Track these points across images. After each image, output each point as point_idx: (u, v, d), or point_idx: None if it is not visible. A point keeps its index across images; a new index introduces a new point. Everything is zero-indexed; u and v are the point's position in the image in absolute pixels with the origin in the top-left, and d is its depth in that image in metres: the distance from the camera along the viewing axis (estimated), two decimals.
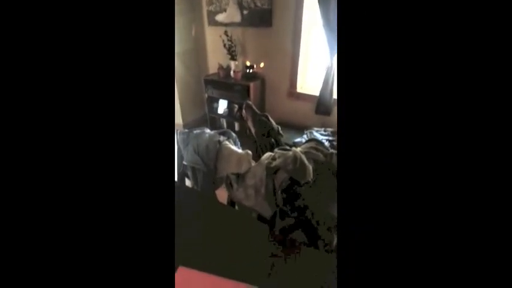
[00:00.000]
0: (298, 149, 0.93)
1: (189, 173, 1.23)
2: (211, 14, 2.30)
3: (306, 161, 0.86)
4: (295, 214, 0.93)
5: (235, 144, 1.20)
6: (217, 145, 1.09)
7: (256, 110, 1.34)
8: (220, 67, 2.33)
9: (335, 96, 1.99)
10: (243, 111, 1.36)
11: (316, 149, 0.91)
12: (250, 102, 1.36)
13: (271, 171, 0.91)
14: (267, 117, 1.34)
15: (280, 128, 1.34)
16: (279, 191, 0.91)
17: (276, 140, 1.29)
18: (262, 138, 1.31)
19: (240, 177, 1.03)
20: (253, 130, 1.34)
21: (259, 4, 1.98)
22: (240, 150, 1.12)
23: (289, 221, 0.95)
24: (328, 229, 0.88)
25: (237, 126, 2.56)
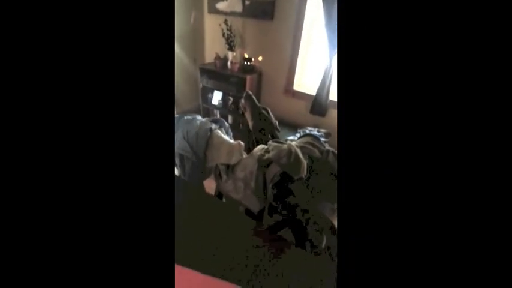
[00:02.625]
0: (294, 143, 0.89)
1: (177, 161, 1.17)
2: (212, 2, 2.22)
3: (301, 156, 0.82)
4: (285, 211, 0.89)
5: (227, 134, 1.15)
6: (208, 133, 1.03)
7: (257, 102, 1.28)
8: (218, 57, 2.26)
9: (331, 97, 1.97)
10: (242, 101, 1.30)
11: (312, 145, 0.87)
12: (250, 93, 1.30)
13: (263, 164, 0.86)
14: (267, 110, 1.28)
15: (278, 124, 1.29)
16: (270, 186, 0.86)
17: (272, 136, 1.24)
18: (259, 133, 1.25)
19: (230, 168, 0.98)
20: (250, 123, 1.27)
21: None
22: (231, 141, 1.07)
23: (277, 218, 0.91)
24: (318, 230, 0.85)
25: (230, 119, 2.49)
